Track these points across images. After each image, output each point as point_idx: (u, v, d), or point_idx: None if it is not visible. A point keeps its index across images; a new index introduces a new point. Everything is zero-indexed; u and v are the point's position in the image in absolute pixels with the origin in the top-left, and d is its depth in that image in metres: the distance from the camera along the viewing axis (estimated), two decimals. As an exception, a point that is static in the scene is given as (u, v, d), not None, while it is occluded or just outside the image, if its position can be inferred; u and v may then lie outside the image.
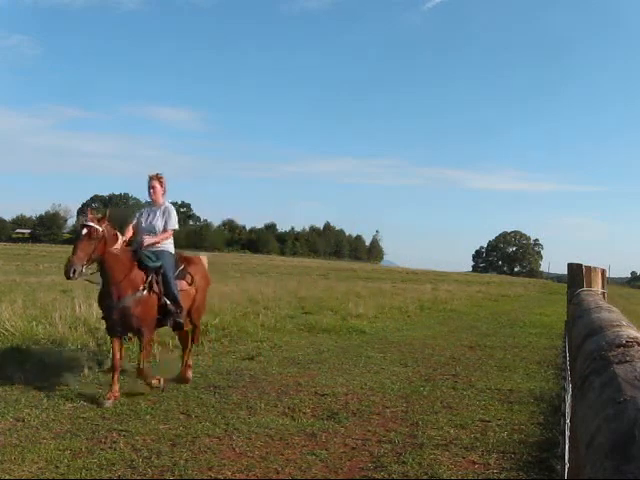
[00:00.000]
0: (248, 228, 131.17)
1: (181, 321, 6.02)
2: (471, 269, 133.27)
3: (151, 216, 6.09)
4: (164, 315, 5.92)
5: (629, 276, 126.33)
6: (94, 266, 5.57)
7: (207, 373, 6.89)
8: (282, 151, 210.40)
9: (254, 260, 75.29)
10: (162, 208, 6.13)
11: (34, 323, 8.42)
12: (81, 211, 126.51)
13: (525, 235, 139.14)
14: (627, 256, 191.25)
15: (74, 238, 5.58)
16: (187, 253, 7.44)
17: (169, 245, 6.17)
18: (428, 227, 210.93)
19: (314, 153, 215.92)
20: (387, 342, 10.17)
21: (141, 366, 5.67)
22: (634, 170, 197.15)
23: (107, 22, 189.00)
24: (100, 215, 5.53)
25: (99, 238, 5.31)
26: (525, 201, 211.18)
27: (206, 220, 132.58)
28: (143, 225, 6.08)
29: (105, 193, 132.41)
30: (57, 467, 3.90)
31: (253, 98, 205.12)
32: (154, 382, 5.76)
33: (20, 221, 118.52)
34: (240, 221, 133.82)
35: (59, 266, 39.26)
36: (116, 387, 5.48)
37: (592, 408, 0.72)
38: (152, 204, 6.19)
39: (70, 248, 5.44)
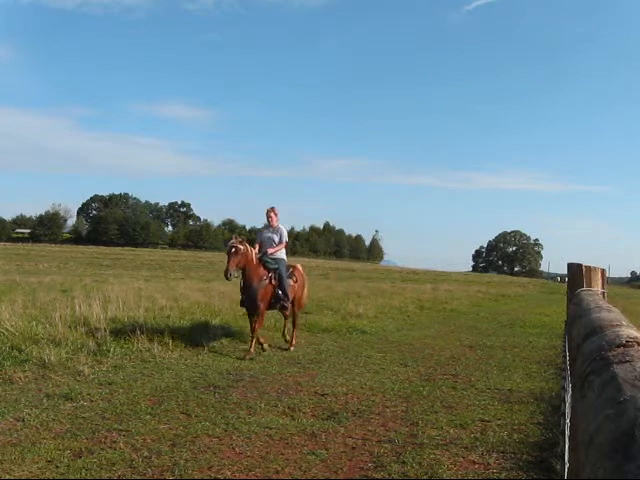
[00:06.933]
0: (248, 228, 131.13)
1: (286, 305, 8.55)
2: (471, 269, 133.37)
3: (270, 234, 8.58)
4: (276, 300, 8.35)
5: (629, 276, 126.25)
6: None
7: (207, 373, 6.89)
8: (282, 151, 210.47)
9: (254, 260, 75.15)
10: (277, 229, 8.59)
11: (34, 323, 8.41)
12: (81, 211, 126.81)
13: (525, 235, 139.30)
14: (627, 256, 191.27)
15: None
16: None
17: (283, 254, 8.62)
18: (428, 227, 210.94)
19: (314, 153, 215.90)
20: (387, 342, 10.17)
21: (255, 333, 8.13)
22: (635, 170, 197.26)
23: (106, 21, 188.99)
24: (241, 239, 8.15)
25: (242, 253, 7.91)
26: (525, 201, 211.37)
27: (206, 220, 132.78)
28: (265, 240, 8.56)
29: (105, 193, 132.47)
30: (57, 467, 3.90)
31: (253, 98, 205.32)
32: (265, 346, 8.35)
33: (20, 221, 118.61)
34: (240, 221, 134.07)
35: (59, 266, 39.22)
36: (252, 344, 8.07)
37: (592, 408, 0.72)
38: (270, 226, 8.65)
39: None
